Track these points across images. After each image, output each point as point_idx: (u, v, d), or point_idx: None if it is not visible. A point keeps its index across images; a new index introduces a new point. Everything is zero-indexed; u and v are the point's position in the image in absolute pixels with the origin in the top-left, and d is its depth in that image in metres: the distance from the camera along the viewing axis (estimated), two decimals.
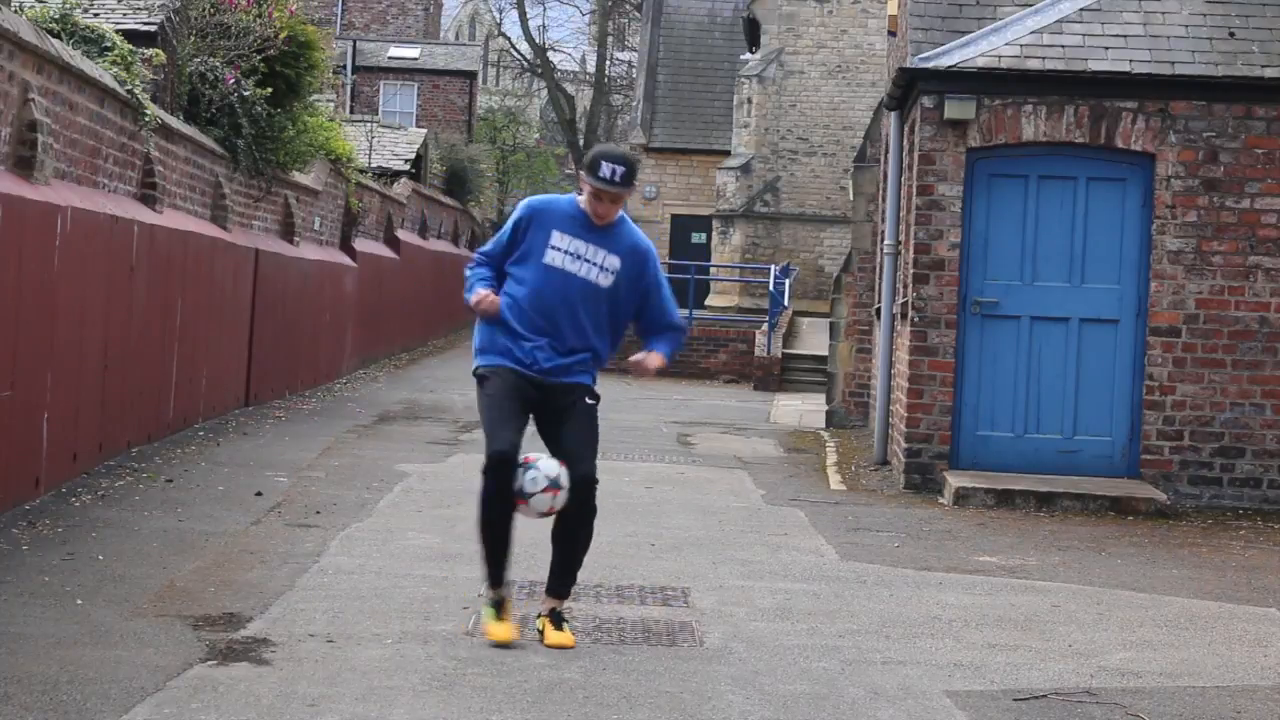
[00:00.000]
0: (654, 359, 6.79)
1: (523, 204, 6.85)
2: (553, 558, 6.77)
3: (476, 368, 6.77)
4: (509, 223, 6.80)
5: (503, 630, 6.53)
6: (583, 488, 6.58)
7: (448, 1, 71.85)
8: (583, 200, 6.71)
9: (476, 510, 6.70)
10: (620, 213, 6.71)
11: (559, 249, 6.63)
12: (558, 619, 6.62)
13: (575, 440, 6.71)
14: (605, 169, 6.56)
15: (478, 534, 6.71)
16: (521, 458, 6.60)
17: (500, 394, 6.67)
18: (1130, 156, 12.19)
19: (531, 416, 6.78)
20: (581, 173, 6.71)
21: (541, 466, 6.57)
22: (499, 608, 6.60)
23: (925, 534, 10.17)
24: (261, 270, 15.90)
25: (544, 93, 65.16)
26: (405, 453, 13.18)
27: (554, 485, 6.51)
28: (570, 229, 6.66)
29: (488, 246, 6.89)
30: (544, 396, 6.69)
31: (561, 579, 6.73)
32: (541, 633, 6.58)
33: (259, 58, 15.59)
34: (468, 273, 6.87)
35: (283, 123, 16.36)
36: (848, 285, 18.22)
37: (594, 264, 6.64)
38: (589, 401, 6.75)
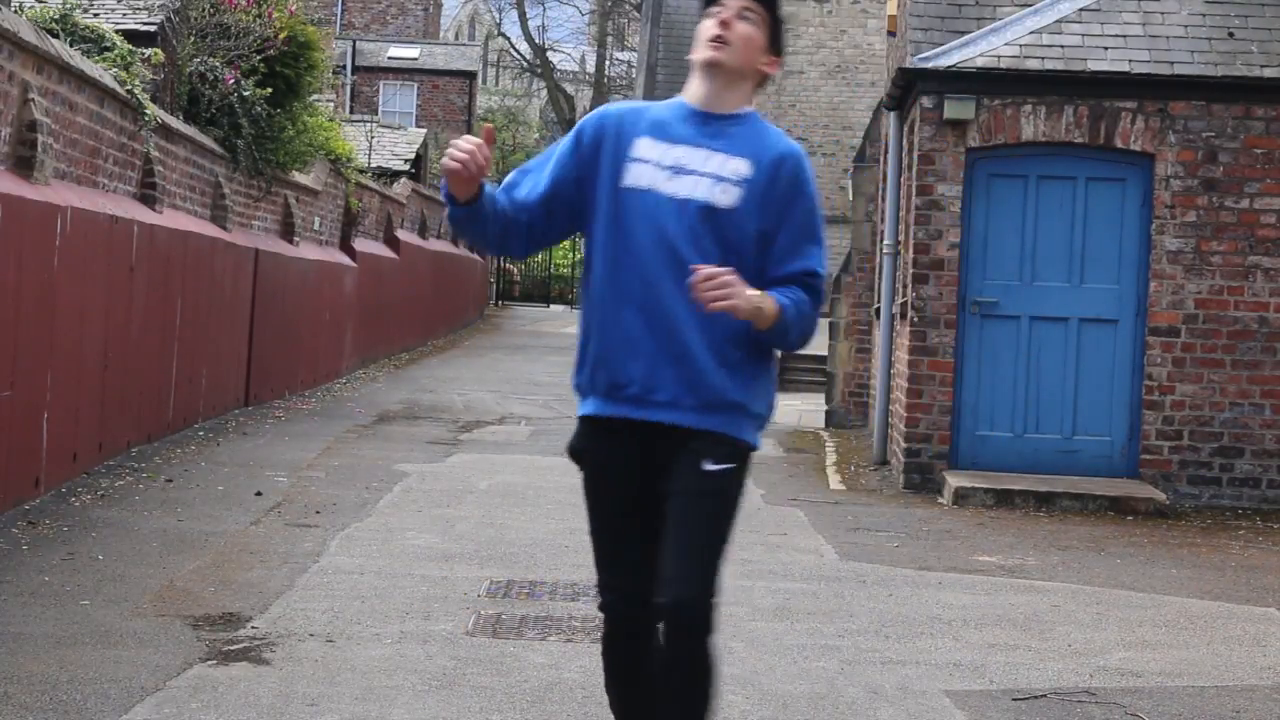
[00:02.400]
0: (753, 293, 3.86)
1: (594, 117, 4.19)
2: None
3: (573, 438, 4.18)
4: (567, 143, 4.18)
5: None
6: (675, 619, 3.89)
7: (448, 1, 71.85)
8: (691, 87, 4.12)
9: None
10: (752, 109, 4.10)
11: (647, 161, 4.01)
12: None
13: (675, 542, 3.91)
14: None
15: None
16: None
17: (596, 501, 4.12)
18: (1129, 156, 12.20)
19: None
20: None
21: None
22: None
23: (925, 534, 10.18)
24: (261, 270, 15.90)
25: (544, 93, 65.18)
26: (405, 453, 13.19)
27: None
28: (667, 133, 4.04)
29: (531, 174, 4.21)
30: (651, 456, 4.01)
31: None
32: None
33: (259, 58, 15.59)
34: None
35: (283, 123, 16.36)
36: (847, 285, 18.22)
37: (704, 174, 3.99)
38: (710, 468, 3.94)
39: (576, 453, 4.13)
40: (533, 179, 4.17)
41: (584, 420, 4.10)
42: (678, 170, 4.00)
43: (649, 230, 3.97)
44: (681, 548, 3.90)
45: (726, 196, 3.98)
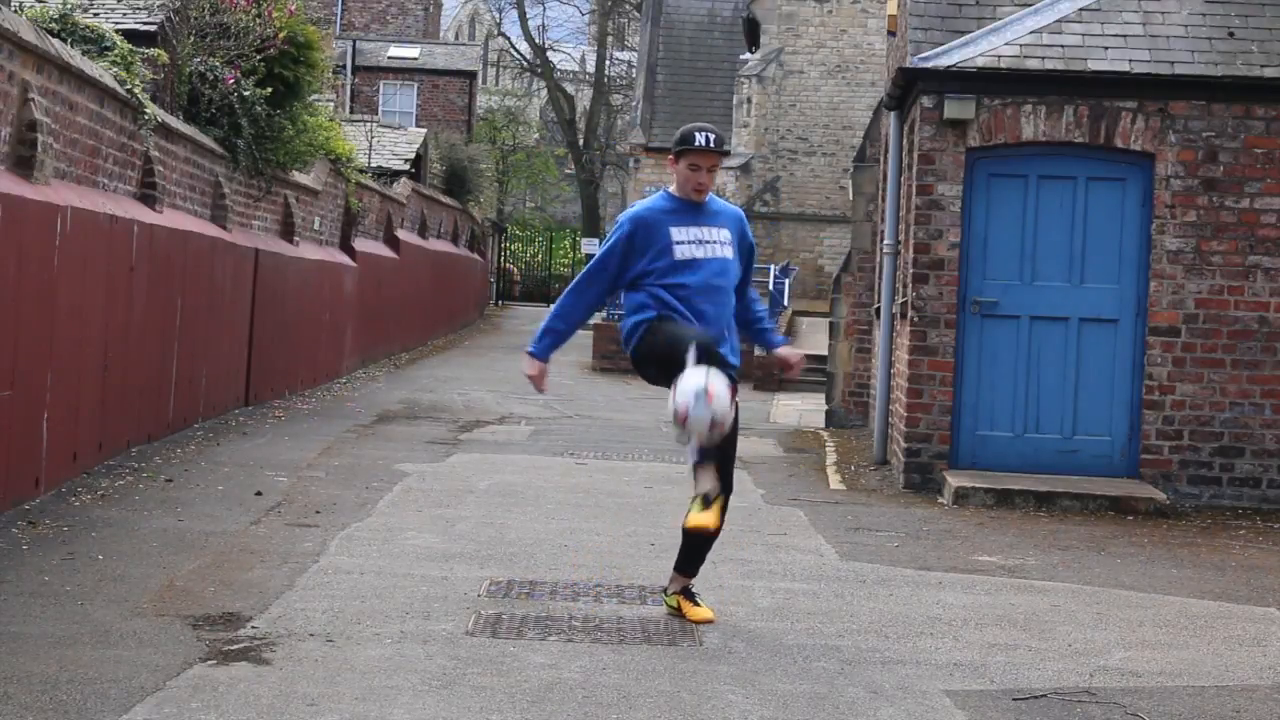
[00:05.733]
0: (789, 351, 7.26)
1: (621, 219, 6.96)
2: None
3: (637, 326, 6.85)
4: (613, 242, 6.88)
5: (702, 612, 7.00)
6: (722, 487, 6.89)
7: (448, 1, 71.89)
8: (674, 187, 6.93)
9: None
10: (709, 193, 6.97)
11: (683, 242, 6.81)
12: (689, 593, 7.06)
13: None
14: (699, 137, 6.81)
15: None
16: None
17: (669, 336, 6.69)
18: (1130, 156, 12.20)
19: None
20: (672, 155, 6.87)
21: (685, 382, 6.41)
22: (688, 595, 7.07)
23: (925, 534, 10.18)
24: (261, 270, 15.90)
25: (544, 93, 65.18)
26: (405, 452, 13.19)
27: (699, 392, 6.37)
28: (681, 221, 6.85)
29: (589, 276, 6.95)
30: None
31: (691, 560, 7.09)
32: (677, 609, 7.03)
33: (259, 58, 15.60)
34: (553, 309, 6.98)
35: (282, 122, 16.37)
36: (847, 285, 18.23)
37: (716, 242, 6.87)
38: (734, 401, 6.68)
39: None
40: (607, 277, 6.89)
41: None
42: (701, 242, 6.83)
43: (700, 282, 6.79)
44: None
45: (729, 252, 6.91)
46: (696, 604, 7.02)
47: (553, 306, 6.97)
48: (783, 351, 7.22)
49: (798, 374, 7.35)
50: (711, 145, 6.80)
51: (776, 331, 7.32)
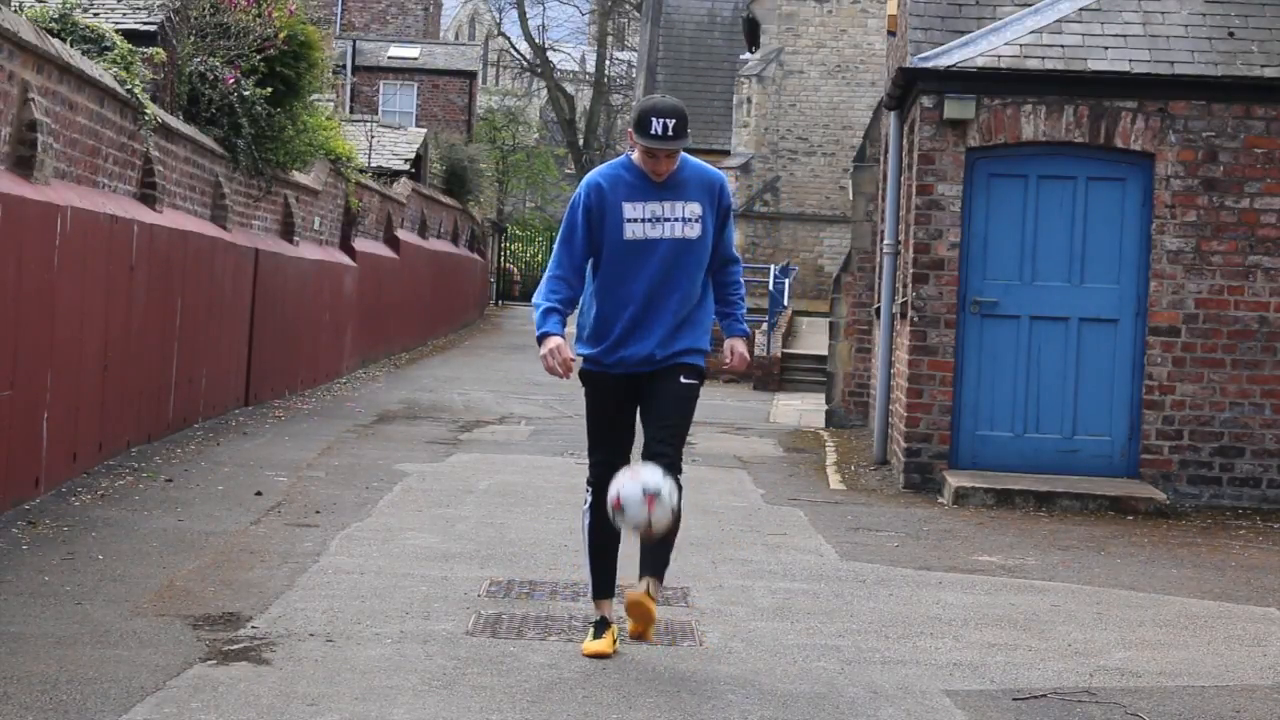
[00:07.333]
0: (739, 346, 6.53)
1: (581, 186, 6.34)
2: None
3: (582, 362, 6.36)
4: (572, 213, 6.32)
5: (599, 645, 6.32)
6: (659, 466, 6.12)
7: (448, 1, 71.87)
8: (636, 157, 6.29)
9: (584, 525, 6.48)
10: (680, 156, 6.29)
11: (635, 219, 6.26)
12: (650, 592, 6.21)
13: (660, 416, 6.27)
14: (655, 125, 6.15)
15: (586, 546, 6.51)
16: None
17: (597, 405, 6.42)
18: (1130, 156, 12.20)
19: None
20: (630, 131, 6.26)
21: (644, 475, 5.98)
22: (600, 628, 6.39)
23: (925, 533, 10.18)
24: (261, 270, 15.90)
25: (544, 93, 65.17)
26: (405, 452, 13.19)
27: (652, 493, 5.92)
28: (639, 195, 6.27)
29: (558, 255, 6.35)
30: (647, 382, 6.34)
31: (653, 560, 6.32)
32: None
33: (259, 57, 15.60)
34: (537, 301, 6.32)
35: (282, 122, 16.37)
36: (847, 285, 18.23)
37: (675, 219, 6.28)
38: (684, 381, 6.30)
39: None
40: (578, 256, 6.36)
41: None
42: (656, 220, 6.30)
43: (647, 267, 6.31)
44: (663, 422, 6.33)
45: (693, 230, 6.34)
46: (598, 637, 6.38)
47: (538, 293, 6.36)
48: (731, 343, 6.51)
49: (737, 368, 6.53)
50: (670, 134, 6.15)
51: (741, 322, 6.56)
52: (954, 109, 12.18)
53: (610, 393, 6.35)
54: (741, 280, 6.60)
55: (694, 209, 6.31)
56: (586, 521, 6.43)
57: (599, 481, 6.25)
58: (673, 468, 6.10)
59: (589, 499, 6.38)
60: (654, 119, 6.15)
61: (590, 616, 6.58)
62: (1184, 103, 12.12)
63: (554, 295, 6.29)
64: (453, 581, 7.73)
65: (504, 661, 6.18)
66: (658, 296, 6.28)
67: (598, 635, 6.33)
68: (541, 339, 6.22)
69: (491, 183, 44.53)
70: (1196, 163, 12.10)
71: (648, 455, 6.13)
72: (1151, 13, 12.48)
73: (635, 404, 6.39)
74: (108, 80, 10.99)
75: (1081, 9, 12.53)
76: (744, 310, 6.59)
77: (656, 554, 6.25)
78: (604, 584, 6.45)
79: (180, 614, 6.75)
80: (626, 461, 6.27)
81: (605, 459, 6.33)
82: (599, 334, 6.35)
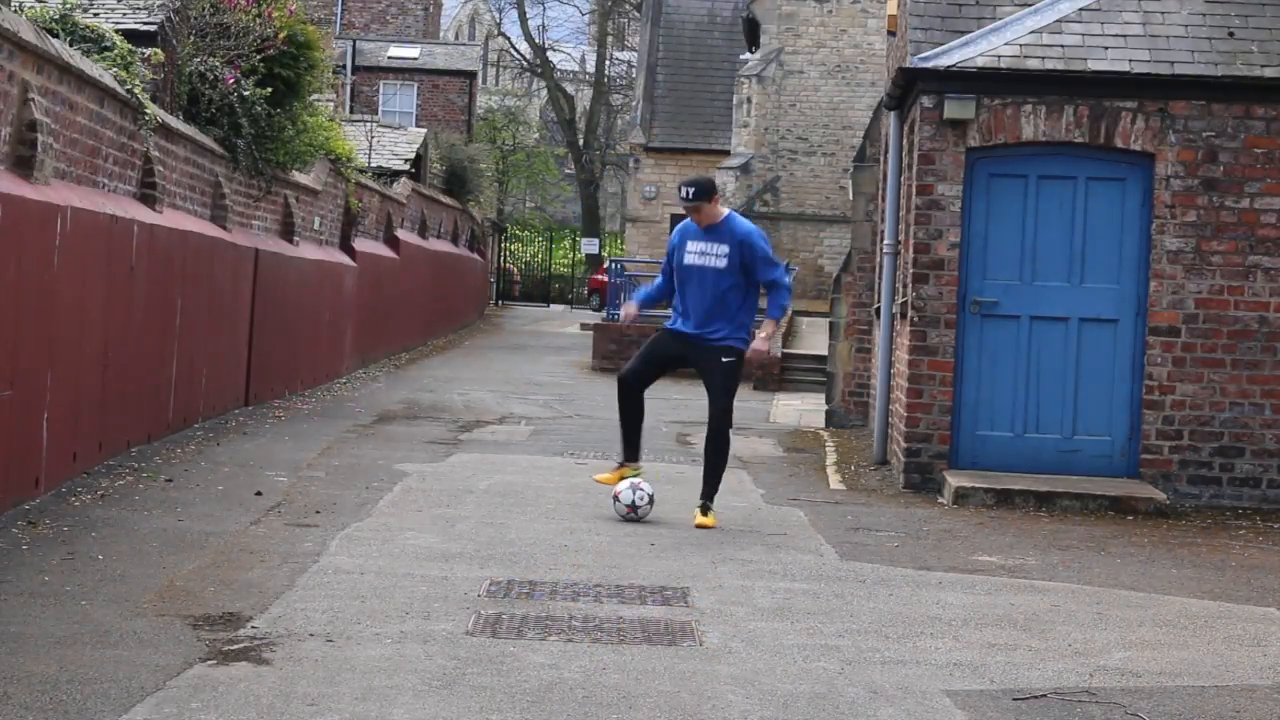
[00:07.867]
0: (762, 331, 10.13)
1: (675, 232, 10.17)
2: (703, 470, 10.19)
3: (656, 322, 10.70)
4: (670, 246, 10.21)
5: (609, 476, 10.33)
6: (713, 420, 9.98)
7: (448, 1, 71.89)
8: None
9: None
10: (728, 212, 9.95)
11: (692, 252, 10.00)
12: (705, 509, 9.96)
13: (710, 386, 10.02)
14: (681, 191, 10.00)
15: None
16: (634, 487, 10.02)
17: (658, 342, 10.23)
18: (1130, 156, 12.20)
19: (688, 361, 10.16)
20: None
21: (645, 488, 9.97)
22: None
23: (925, 534, 10.18)
24: (261, 270, 15.91)
25: (544, 93, 65.21)
26: (405, 452, 13.19)
27: (632, 506, 9.88)
28: (695, 237, 10.03)
29: (663, 268, 10.36)
30: (695, 353, 10.00)
31: (706, 485, 10.04)
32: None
33: (259, 58, 15.59)
34: (647, 286, 10.48)
35: (282, 122, 16.36)
36: (847, 285, 18.22)
37: (712, 254, 9.93)
38: (725, 360, 9.90)
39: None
40: (666, 271, 10.30)
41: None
42: (703, 254, 9.96)
43: (697, 281, 9.99)
44: (715, 385, 10.08)
45: (720, 263, 9.93)
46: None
47: (643, 287, 10.60)
48: (762, 325, 10.13)
49: (758, 348, 10.14)
50: (689, 198, 9.92)
51: (773, 310, 10.09)
52: (954, 109, 12.18)
53: (669, 342, 10.14)
54: (784, 289, 10.05)
55: (723, 249, 9.92)
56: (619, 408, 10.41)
57: (623, 375, 10.29)
58: (724, 414, 10.01)
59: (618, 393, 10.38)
60: (681, 188, 10.05)
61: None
62: (1184, 103, 12.12)
63: (652, 286, 10.40)
64: (453, 581, 7.73)
65: (504, 661, 6.18)
66: (700, 298, 9.97)
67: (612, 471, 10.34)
68: (629, 302, 10.64)
69: (491, 183, 44.55)
70: (1196, 163, 12.10)
71: (710, 407, 10.01)
72: (1151, 13, 12.48)
73: (674, 358, 10.14)
74: (108, 80, 10.99)
75: (1081, 9, 12.53)
76: (781, 304, 10.05)
77: (708, 481, 10.03)
78: (628, 450, 10.33)
79: (180, 614, 6.75)
80: (641, 383, 10.16)
81: (635, 367, 10.17)
82: (674, 311, 10.16)
